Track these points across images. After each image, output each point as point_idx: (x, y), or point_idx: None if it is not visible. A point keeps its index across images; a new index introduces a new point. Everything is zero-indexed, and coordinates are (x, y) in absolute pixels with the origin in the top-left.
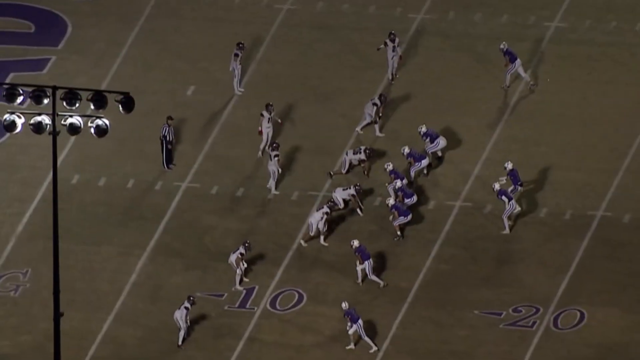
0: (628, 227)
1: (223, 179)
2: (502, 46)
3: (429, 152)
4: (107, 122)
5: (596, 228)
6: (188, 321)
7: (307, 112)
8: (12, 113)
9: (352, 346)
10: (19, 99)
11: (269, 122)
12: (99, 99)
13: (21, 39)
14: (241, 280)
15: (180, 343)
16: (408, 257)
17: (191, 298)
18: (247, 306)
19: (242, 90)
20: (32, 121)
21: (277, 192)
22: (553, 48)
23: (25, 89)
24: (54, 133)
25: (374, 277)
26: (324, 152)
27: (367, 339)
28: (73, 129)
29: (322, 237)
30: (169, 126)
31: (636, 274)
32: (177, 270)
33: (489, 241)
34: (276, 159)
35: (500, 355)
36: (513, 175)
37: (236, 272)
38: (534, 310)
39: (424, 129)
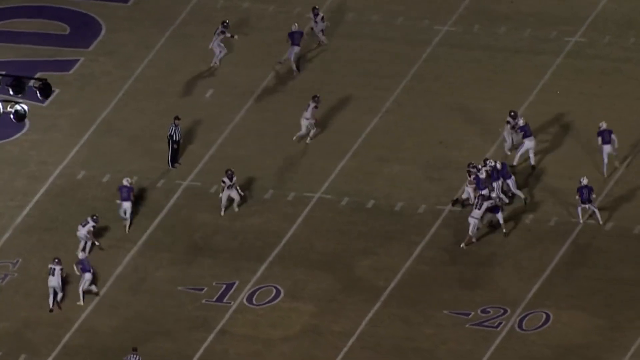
0: (610, 234)
1: (220, 177)
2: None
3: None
4: (25, 107)
5: (577, 235)
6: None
7: (318, 116)
8: None
9: (81, 302)
10: None
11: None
12: (18, 85)
13: (55, 40)
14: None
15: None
16: (389, 258)
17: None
18: (224, 300)
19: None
20: None
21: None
22: (569, 62)
23: None
24: None
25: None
26: (328, 155)
27: (91, 287)
28: None
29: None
30: (176, 126)
31: (610, 280)
32: (163, 264)
33: (471, 245)
34: (234, 186)
35: (461, 353)
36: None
37: (82, 245)
38: (502, 311)
39: (521, 122)
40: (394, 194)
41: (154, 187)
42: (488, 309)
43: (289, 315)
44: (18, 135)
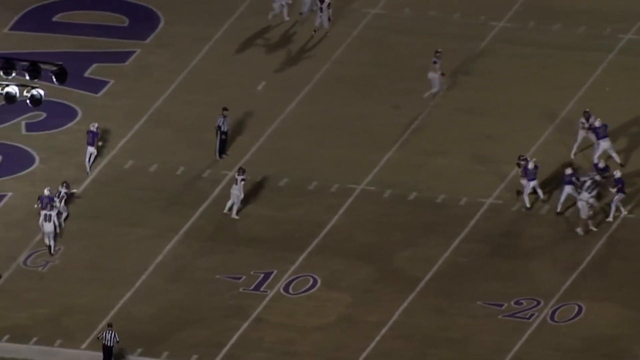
0: None
1: (270, 169)
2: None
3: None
4: (41, 92)
5: (616, 229)
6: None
7: (366, 110)
8: None
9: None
10: None
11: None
12: (34, 69)
13: (113, 32)
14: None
15: None
16: (428, 249)
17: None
18: (262, 289)
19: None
20: None
21: (237, 217)
22: (620, 59)
23: None
24: None
25: None
26: (375, 148)
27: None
28: (9, 98)
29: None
30: (224, 117)
31: None
32: (204, 253)
33: (510, 238)
34: (242, 183)
35: (492, 344)
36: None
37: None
38: (535, 303)
39: (597, 123)
40: (437, 187)
41: (200, 177)
42: (521, 301)
43: (324, 304)
44: (70, 124)
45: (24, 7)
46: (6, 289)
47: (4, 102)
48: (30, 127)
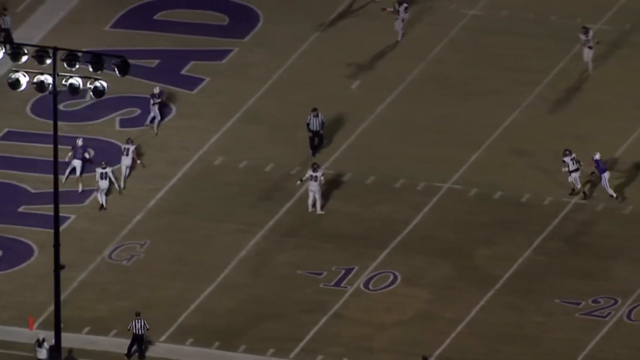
0: None
1: (358, 166)
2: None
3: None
4: (104, 83)
5: None
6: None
7: (457, 109)
8: (17, 71)
9: None
10: (24, 58)
11: None
12: (96, 62)
13: (212, 31)
14: None
15: None
16: (509, 248)
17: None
18: (342, 285)
19: None
20: (35, 80)
21: (322, 212)
22: None
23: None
24: (55, 92)
25: None
26: (463, 146)
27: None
28: (73, 89)
29: None
30: (314, 116)
31: None
32: (287, 248)
33: (593, 237)
34: (320, 178)
35: (567, 342)
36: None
37: None
38: (613, 301)
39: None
40: (523, 186)
41: (288, 174)
42: (599, 299)
43: (403, 300)
44: (164, 121)
45: (126, 5)
46: (90, 282)
47: (95, 99)
48: (124, 122)
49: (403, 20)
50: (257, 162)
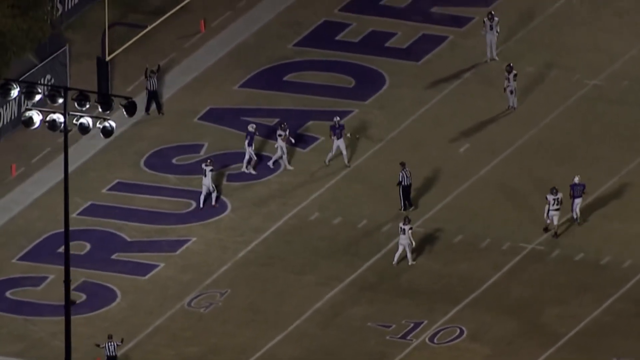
0: None
1: (449, 225)
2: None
3: None
4: (113, 124)
5: None
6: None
7: (554, 173)
8: (31, 110)
9: None
10: (37, 97)
11: None
12: (105, 102)
13: (336, 92)
14: None
15: None
16: (578, 308)
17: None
18: (408, 338)
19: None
20: (47, 119)
21: (414, 263)
22: None
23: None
24: (65, 130)
25: None
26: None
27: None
28: (83, 128)
29: None
30: (403, 171)
31: None
32: (362, 302)
33: None
34: (409, 232)
35: None
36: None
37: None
38: None
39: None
40: (605, 249)
41: (379, 230)
42: None
43: (463, 355)
44: (270, 177)
45: (260, 66)
46: (164, 327)
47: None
48: (230, 177)
49: (512, 91)
50: (351, 219)
